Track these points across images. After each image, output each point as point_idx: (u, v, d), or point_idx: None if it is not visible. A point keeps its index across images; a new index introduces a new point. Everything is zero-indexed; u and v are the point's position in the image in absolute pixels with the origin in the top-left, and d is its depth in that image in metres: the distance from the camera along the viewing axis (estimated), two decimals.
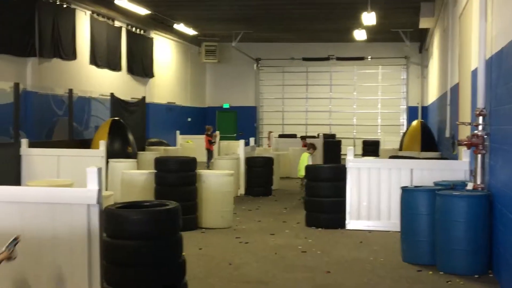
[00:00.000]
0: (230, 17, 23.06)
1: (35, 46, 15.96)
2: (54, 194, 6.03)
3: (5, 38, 14.84)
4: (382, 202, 10.38)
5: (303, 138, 22.63)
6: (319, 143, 21.52)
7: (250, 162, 15.45)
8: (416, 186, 8.83)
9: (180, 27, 23.53)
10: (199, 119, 29.80)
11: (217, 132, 23.61)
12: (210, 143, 20.83)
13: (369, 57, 29.10)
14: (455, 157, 11.60)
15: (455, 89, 13.19)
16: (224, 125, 30.36)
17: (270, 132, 25.95)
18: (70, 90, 16.38)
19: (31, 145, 13.56)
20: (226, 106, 31.25)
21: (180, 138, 25.24)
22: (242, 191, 15.19)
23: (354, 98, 30.08)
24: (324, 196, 10.80)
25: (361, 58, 29.16)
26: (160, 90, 25.11)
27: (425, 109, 27.34)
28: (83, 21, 18.70)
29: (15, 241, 5.16)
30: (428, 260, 7.90)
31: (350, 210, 10.55)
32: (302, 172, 13.38)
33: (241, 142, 15.83)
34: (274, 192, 15.59)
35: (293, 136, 25.63)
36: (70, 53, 17.74)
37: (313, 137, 22.81)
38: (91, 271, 5.95)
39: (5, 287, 5.58)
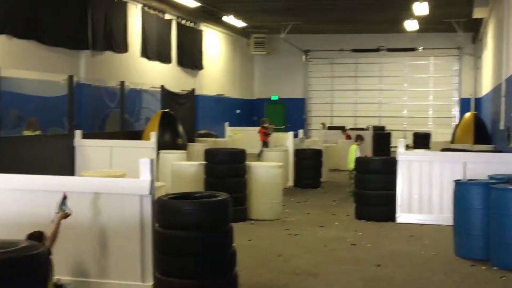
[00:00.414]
0: (279, 9, 22.99)
1: (88, 39, 16.28)
2: (108, 184, 6.16)
3: (59, 31, 15.18)
4: (434, 195, 10.21)
5: (344, 130, 22.50)
6: (368, 135, 21.32)
7: (299, 154, 15.42)
8: (469, 180, 8.65)
9: (229, 19, 23.60)
10: (248, 111, 29.88)
11: (273, 125, 23.62)
12: (265, 135, 20.85)
13: (421, 48, 28.59)
14: (510, 150, 11.31)
15: (510, 80, 12.83)
16: (272, 117, 30.23)
17: (322, 123, 25.75)
18: (122, 82, 16.65)
19: (85, 136, 13.85)
20: (274, 98, 31.22)
21: (228, 129, 25.37)
22: (290, 183, 15.18)
23: (404, 90, 29.62)
24: (374, 188, 10.68)
25: (412, 49, 28.67)
26: (209, 82, 25.28)
27: (478, 100, 26.72)
28: (134, 14, 18.97)
29: (65, 199, 5.39)
30: (481, 255, 7.74)
31: (401, 203, 10.41)
32: (351, 165, 13.32)
33: (290, 134, 15.81)
34: (323, 184, 15.52)
35: (342, 128, 25.43)
36: (122, 46, 18.03)
37: (362, 129, 22.57)
38: (143, 260, 6.08)
39: (61, 272, 5.72)
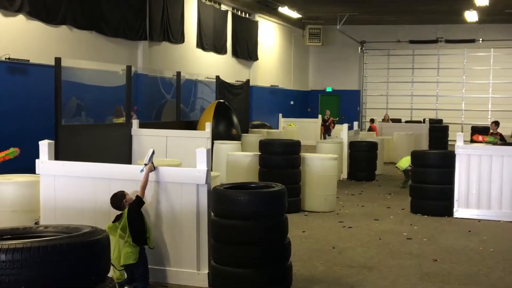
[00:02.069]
0: (335, 0, 22.80)
1: (146, 30, 16.55)
2: (166, 173, 6.25)
3: (118, 22, 15.50)
4: (493, 190, 9.95)
5: (372, 121, 22.33)
6: (424, 128, 20.96)
7: (354, 146, 15.29)
8: None
9: (285, 10, 23.55)
10: (302, 103, 29.80)
11: (331, 117, 24.11)
12: (324, 126, 22.42)
13: (481, 39, 27.88)
14: None
15: None
16: (327, 109, 30.15)
17: (386, 115, 25.43)
18: (178, 73, 16.83)
19: (141, 125, 14.09)
20: (329, 89, 31.03)
21: (282, 121, 25.37)
22: (344, 175, 15.08)
23: (463, 82, 28.96)
24: (431, 182, 10.48)
25: (472, 41, 28.02)
26: (263, 73, 25.31)
27: None
28: (191, 5, 19.15)
29: (153, 154, 6.12)
30: None
31: (459, 198, 10.20)
32: (402, 165, 13.27)
33: (345, 126, 15.68)
34: (377, 177, 15.35)
35: (398, 120, 25.09)
36: (178, 37, 18.25)
37: (418, 122, 22.21)
38: (199, 248, 6.15)
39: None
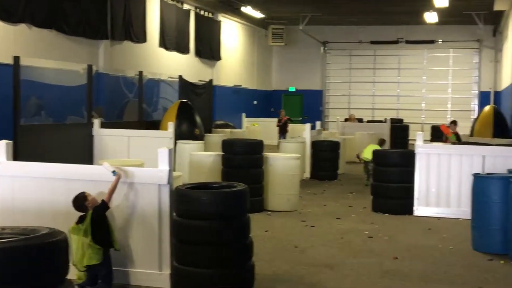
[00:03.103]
0: (297, 0, 22.91)
1: (107, 28, 16.36)
2: (127, 173, 6.18)
3: (79, 21, 15.28)
4: (452, 189, 10.14)
5: (346, 120, 22.78)
6: (385, 128, 21.23)
7: (316, 146, 15.39)
8: (488, 174, 8.58)
9: (248, 10, 23.57)
10: (265, 102, 29.88)
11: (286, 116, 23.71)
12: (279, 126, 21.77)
13: (440, 40, 28.38)
14: None
15: None
16: (289, 109, 30.30)
17: (352, 114, 25.62)
18: (140, 72, 16.71)
19: (103, 125, 13.94)
20: (292, 89, 31.18)
21: (246, 120, 25.40)
22: (307, 174, 15.17)
23: (423, 83, 29.44)
24: (392, 181, 10.63)
25: (432, 42, 28.47)
26: (227, 73, 25.29)
27: (498, 94, 26.46)
28: (153, 4, 19.01)
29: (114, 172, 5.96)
30: (500, 249, 7.68)
31: (419, 196, 10.36)
32: (366, 155, 13.47)
33: (307, 125, 15.78)
34: (339, 176, 15.48)
35: (360, 120, 25.34)
36: (140, 36, 18.09)
37: (380, 121, 22.47)
38: (161, 249, 6.11)
39: None
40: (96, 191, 5.86)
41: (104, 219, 5.68)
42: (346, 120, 25.28)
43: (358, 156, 15.03)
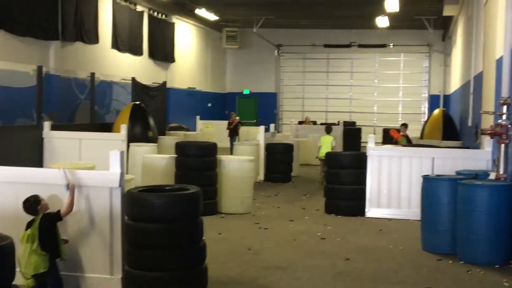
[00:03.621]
0: (251, 3, 22.97)
1: (58, 29, 16.06)
2: (77, 177, 6.09)
3: (29, 21, 14.95)
4: (403, 190, 10.33)
5: (300, 123, 23.14)
6: (338, 130, 21.47)
7: (270, 148, 15.45)
8: (437, 175, 8.78)
9: (202, 12, 23.50)
10: (219, 105, 29.84)
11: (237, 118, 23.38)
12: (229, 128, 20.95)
13: (391, 44, 28.86)
14: (478, 146, 11.49)
15: (478, 78, 13.03)
16: (244, 111, 30.34)
17: (307, 117, 25.79)
18: (92, 74, 16.47)
19: (54, 128, 13.69)
20: (246, 92, 31.22)
21: (200, 123, 25.30)
22: (261, 177, 15.21)
23: (375, 86, 29.88)
24: (344, 183, 10.77)
25: (383, 46, 28.93)
26: (181, 75, 25.16)
27: (447, 97, 27.08)
28: (105, 5, 18.76)
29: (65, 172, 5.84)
30: (448, 249, 7.86)
31: (370, 198, 10.52)
32: (325, 150, 13.77)
33: (261, 128, 15.83)
34: (293, 178, 15.59)
35: (313, 123, 25.54)
36: (92, 37, 17.82)
37: (333, 124, 22.69)
38: (112, 253, 6.04)
39: None
40: (45, 195, 5.75)
41: (54, 228, 5.57)
42: (301, 122, 25.48)
43: (317, 157, 15.11)
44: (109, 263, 6.04)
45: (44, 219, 5.50)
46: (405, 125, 15.33)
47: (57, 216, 5.61)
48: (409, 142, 14.49)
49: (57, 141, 13.46)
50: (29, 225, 5.52)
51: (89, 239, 6.06)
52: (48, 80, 15.51)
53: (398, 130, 15.17)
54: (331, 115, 29.30)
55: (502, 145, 8.08)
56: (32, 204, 5.58)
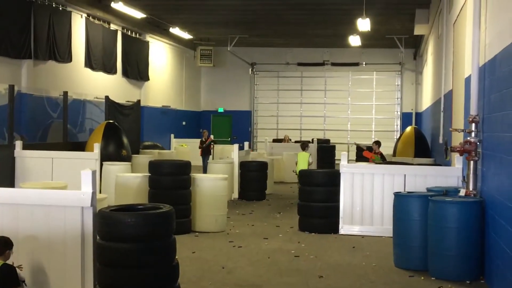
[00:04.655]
0: (225, 22, 23.12)
1: (30, 48, 15.97)
2: (48, 196, 6.05)
3: (0, 39, 14.85)
4: (375, 207, 10.42)
5: (279, 141, 23.28)
6: (312, 148, 21.59)
7: (244, 166, 15.47)
8: (409, 192, 8.88)
9: (176, 31, 23.57)
10: (194, 123, 29.82)
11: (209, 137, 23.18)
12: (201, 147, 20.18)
13: (364, 63, 29.22)
14: (448, 163, 11.66)
15: (448, 96, 13.26)
16: (218, 129, 30.38)
17: (286, 135, 25.85)
18: (65, 93, 16.37)
19: (25, 147, 13.56)
20: (220, 110, 31.28)
21: (174, 141, 25.28)
22: (235, 195, 15.22)
23: (348, 104, 30.15)
24: (317, 200, 10.83)
25: (356, 64, 29.28)
26: (155, 94, 25.12)
27: (418, 115, 27.44)
28: (78, 23, 18.72)
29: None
30: (420, 266, 7.94)
31: (343, 215, 10.59)
32: (302, 166, 14.36)
33: (235, 146, 15.86)
34: (268, 196, 15.61)
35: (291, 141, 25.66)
36: (65, 56, 17.74)
37: (308, 141, 22.83)
38: (84, 273, 5.98)
39: None
40: (14, 214, 5.69)
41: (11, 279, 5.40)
42: (280, 140, 25.59)
43: (294, 171, 15.45)
44: (80, 283, 5.97)
45: (4, 274, 5.29)
46: (377, 143, 15.47)
47: (15, 281, 5.37)
48: (383, 159, 14.64)
49: (29, 160, 13.33)
50: None
51: (60, 258, 6.00)
52: (20, 99, 15.38)
53: (371, 149, 15.29)
54: (306, 133, 29.47)
55: (471, 162, 8.21)
56: (1, 244, 5.41)
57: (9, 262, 5.49)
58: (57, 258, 6.00)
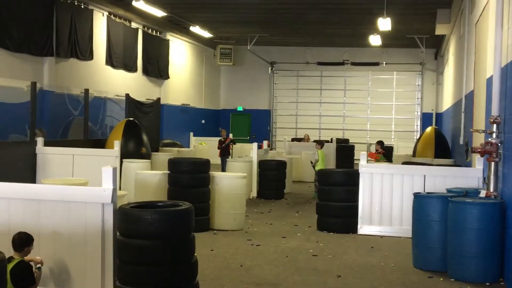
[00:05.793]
0: (245, 20, 23.14)
1: (52, 45, 16.14)
2: (69, 192, 6.12)
3: (23, 37, 15.03)
4: (394, 208, 10.37)
5: (299, 140, 23.35)
6: (331, 147, 21.56)
7: (263, 165, 15.49)
8: (428, 193, 8.83)
9: (196, 29, 23.65)
10: (213, 122, 29.90)
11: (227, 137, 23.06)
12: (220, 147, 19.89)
13: (384, 62, 29.06)
14: (469, 165, 11.57)
15: (470, 96, 13.16)
16: (237, 128, 30.43)
17: (306, 134, 25.81)
18: (86, 90, 16.51)
19: (47, 143, 13.69)
20: (240, 109, 31.32)
21: (193, 139, 25.36)
22: (254, 194, 15.23)
23: (368, 104, 30.02)
24: (336, 200, 10.81)
25: (376, 64, 29.12)
26: (174, 92, 25.23)
27: (439, 115, 27.24)
28: (100, 22, 18.86)
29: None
30: (439, 267, 7.90)
31: (362, 215, 10.55)
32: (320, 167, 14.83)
33: (254, 145, 15.88)
34: (286, 195, 15.61)
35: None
36: (86, 53, 17.90)
37: (326, 141, 22.78)
38: (104, 269, 6.04)
39: None
40: (36, 210, 5.76)
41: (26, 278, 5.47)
42: (299, 139, 25.55)
43: (312, 163, 15.91)
44: (100, 279, 6.04)
45: (19, 268, 5.35)
46: (379, 143, 15.43)
47: (31, 283, 5.48)
48: (387, 158, 14.66)
49: (50, 157, 13.46)
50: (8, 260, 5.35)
51: (80, 254, 6.06)
52: (42, 96, 15.55)
53: (376, 151, 15.27)
54: (324, 132, 29.39)
55: (492, 163, 8.16)
56: (23, 241, 5.49)
57: (28, 258, 5.56)
58: (77, 253, 6.07)
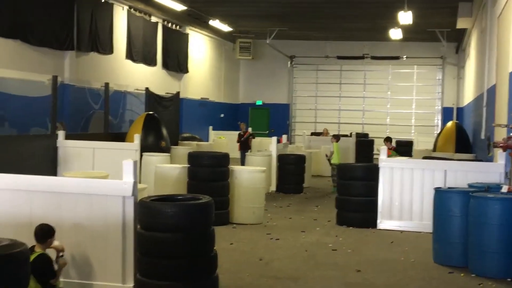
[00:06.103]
0: (265, 14, 23.09)
1: (73, 39, 16.25)
2: (91, 185, 6.17)
3: (44, 31, 15.15)
4: (415, 202, 10.30)
5: (318, 134, 23.37)
6: (351, 142, 21.47)
7: (282, 159, 15.48)
8: (449, 188, 8.76)
9: (215, 23, 23.64)
10: (232, 116, 29.92)
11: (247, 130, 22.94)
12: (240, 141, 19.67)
13: (405, 56, 28.83)
14: (490, 159, 11.46)
15: (491, 91, 13.01)
16: (256, 122, 30.41)
17: (325, 129, 25.74)
18: (107, 84, 16.61)
19: (68, 137, 13.80)
20: (259, 103, 31.30)
21: (212, 133, 25.41)
22: (273, 188, 15.23)
23: (388, 98, 29.84)
24: (356, 195, 10.77)
25: (396, 58, 28.89)
26: (194, 86, 25.29)
27: (460, 110, 27.00)
28: (120, 16, 18.95)
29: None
30: (460, 262, 7.84)
31: (382, 210, 10.50)
32: (335, 160, 15.12)
33: (274, 139, 15.87)
34: (305, 189, 15.59)
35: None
36: (107, 47, 18.00)
37: (345, 135, 22.70)
38: (124, 262, 6.09)
39: None
40: (57, 203, 5.81)
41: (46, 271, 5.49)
42: (318, 134, 25.48)
43: (327, 156, 16.25)
44: (121, 272, 6.09)
45: (41, 260, 5.37)
46: (387, 139, 15.35)
47: (53, 274, 5.48)
48: (398, 153, 14.64)
49: (71, 150, 13.56)
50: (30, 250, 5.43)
51: (101, 247, 6.11)
52: (62, 90, 15.67)
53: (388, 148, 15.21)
54: (344, 127, 29.27)
55: None
56: (45, 233, 5.51)
57: (50, 250, 5.59)
58: (98, 246, 6.12)
